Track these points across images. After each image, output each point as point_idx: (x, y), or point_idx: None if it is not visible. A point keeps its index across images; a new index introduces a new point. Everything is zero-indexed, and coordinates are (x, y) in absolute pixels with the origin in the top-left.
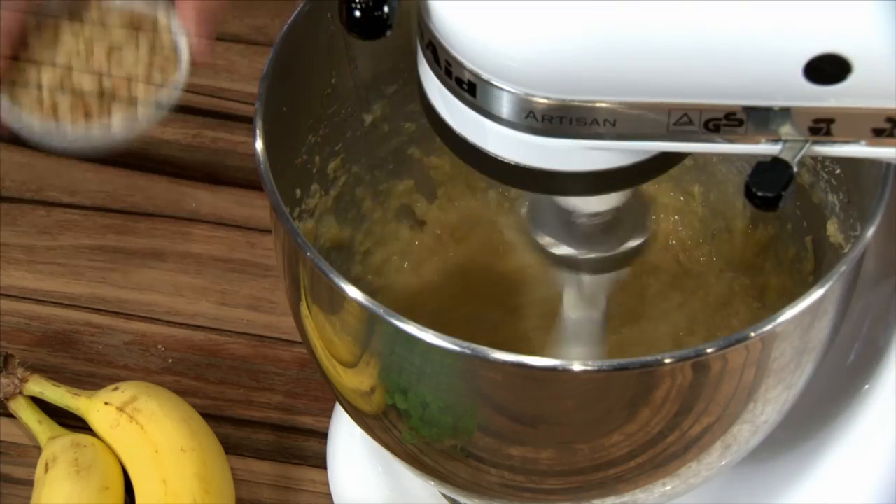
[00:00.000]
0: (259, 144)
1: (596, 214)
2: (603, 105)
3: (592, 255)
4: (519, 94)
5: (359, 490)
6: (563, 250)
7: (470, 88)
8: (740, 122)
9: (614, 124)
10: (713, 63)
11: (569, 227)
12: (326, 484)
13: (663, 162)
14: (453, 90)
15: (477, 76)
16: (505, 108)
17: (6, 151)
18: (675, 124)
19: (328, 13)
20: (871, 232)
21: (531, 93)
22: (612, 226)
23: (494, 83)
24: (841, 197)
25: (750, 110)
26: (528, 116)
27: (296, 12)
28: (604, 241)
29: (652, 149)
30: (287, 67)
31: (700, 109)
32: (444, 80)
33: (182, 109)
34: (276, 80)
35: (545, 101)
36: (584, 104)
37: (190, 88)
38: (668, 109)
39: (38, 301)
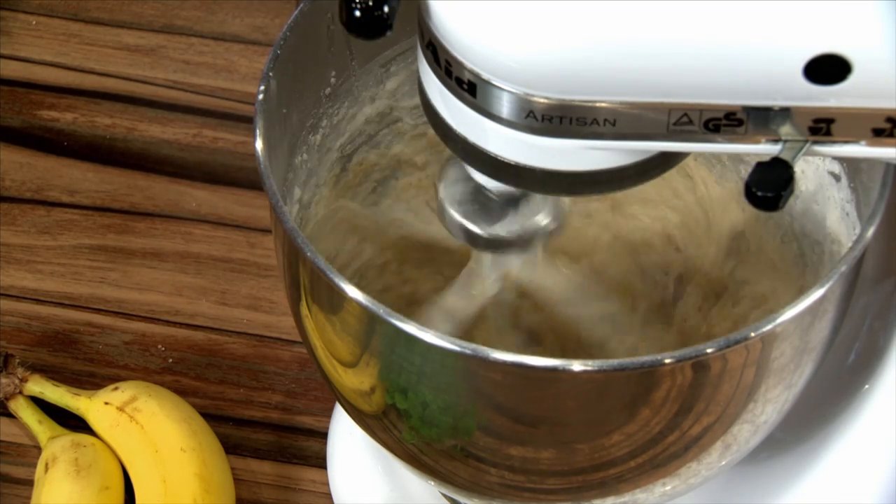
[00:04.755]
0: (259, 144)
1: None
2: (603, 105)
3: (496, 233)
4: (519, 94)
5: (359, 490)
6: (475, 228)
7: (470, 88)
8: (740, 122)
9: (614, 124)
10: (713, 63)
11: (480, 203)
12: (326, 484)
13: (663, 162)
14: (453, 90)
15: (477, 76)
16: (505, 107)
17: (6, 151)
18: (675, 124)
19: (328, 13)
20: (871, 232)
21: (531, 93)
22: (518, 204)
23: (494, 83)
24: (841, 196)
25: (750, 110)
26: (528, 116)
27: (296, 12)
28: (510, 220)
29: (652, 149)
30: (287, 67)
31: (700, 109)
32: (444, 79)
33: (182, 109)
34: (277, 79)
35: (545, 101)
36: (584, 104)
37: (190, 88)
38: (668, 109)
39: (38, 301)
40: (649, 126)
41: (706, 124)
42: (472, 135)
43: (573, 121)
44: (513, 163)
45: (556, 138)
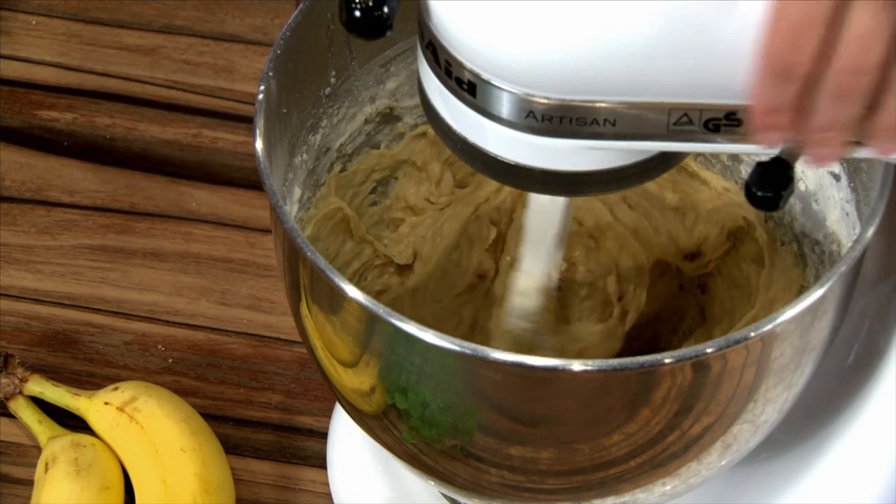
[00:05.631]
0: (259, 144)
1: None
2: (603, 105)
3: None
4: (519, 94)
5: (359, 490)
6: None
7: (470, 88)
8: (740, 122)
9: (614, 124)
10: (713, 63)
11: None
12: (326, 484)
13: (663, 162)
14: (453, 90)
15: (477, 76)
16: (505, 107)
17: (6, 151)
18: (675, 124)
19: (328, 13)
20: (871, 232)
21: (531, 93)
22: None
23: (494, 83)
24: (841, 196)
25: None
26: (528, 116)
27: (296, 12)
28: None
29: (652, 149)
30: (287, 67)
31: (700, 109)
32: (444, 80)
33: (182, 109)
34: (277, 79)
35: (545, 101)
36: (584, 104)
37: (190, 88)
38: (668, 109)
39: (38, 301)
40: (649, 126)
41: (706, 124)
42: (472, 135)
43: (573, 121)
44: (513, 163)
45: (556, 138)
